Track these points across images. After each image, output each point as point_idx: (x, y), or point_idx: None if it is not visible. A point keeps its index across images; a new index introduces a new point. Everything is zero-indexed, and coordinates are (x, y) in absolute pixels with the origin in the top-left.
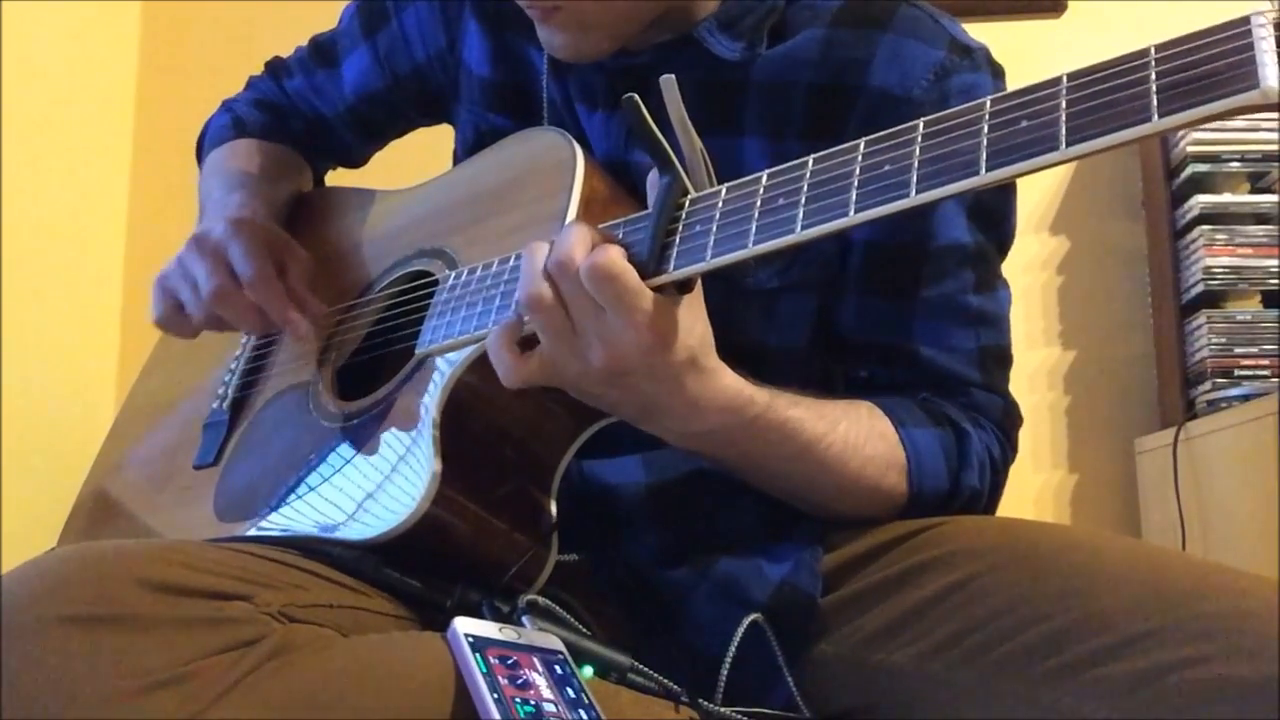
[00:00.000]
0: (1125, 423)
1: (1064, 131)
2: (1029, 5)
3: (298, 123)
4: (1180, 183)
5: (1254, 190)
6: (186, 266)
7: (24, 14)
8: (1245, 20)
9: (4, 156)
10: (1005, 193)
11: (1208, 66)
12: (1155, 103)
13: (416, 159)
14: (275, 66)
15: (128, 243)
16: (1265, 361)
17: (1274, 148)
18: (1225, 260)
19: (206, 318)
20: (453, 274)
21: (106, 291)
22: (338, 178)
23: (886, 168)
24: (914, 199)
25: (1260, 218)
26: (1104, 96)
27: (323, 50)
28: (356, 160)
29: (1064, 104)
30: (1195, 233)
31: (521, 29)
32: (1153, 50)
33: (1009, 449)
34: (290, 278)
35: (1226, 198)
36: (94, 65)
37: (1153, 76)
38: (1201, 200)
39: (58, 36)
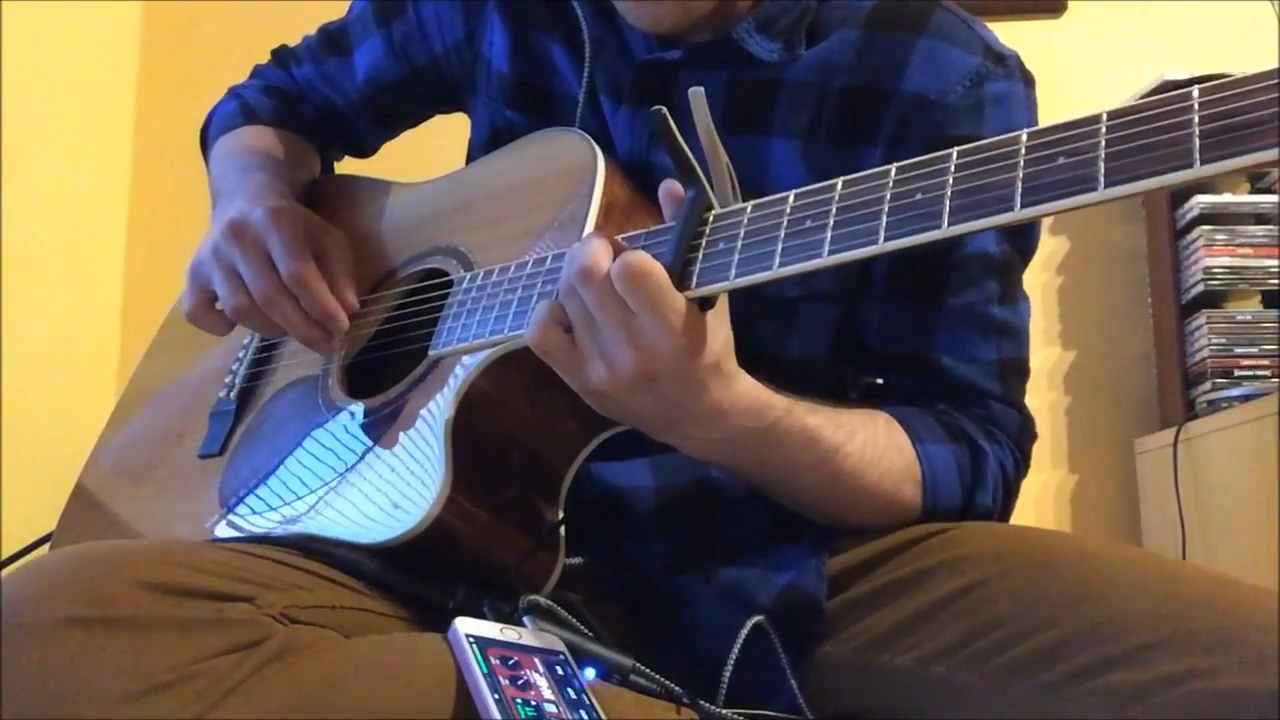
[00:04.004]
0: (1125, 423)
1: (1103, 171)
2: (1029, 5)
3: (308, 110)
4: None
5: (1254, 190)
6: (223, 255)
7: (24, 14)
8: None
9: (4, 156)
10: None
11: (1251, 115)
12: (1198, 148)
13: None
14: (283, 55)
15: (128, 243)
16: (1265, 361)
17: None
18: (1225, 260)
19: (239, 313)
20: (468, 275)
21: (106, 291)
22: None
23: (918, 196)
24: (946, 230)
25: (1260, 218)
26: (1144, 138)
27: (333, 39)
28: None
29: (1103, 143)
30: (1195, 233)
31: (543, 27)
32: (1195, 93)
33: (1023, 464)
34: (330, 266)
35: (1226, 198)
36: (94, 65)
37: (1195, 120)
38: (1201, 200)
39: (58, 36)
